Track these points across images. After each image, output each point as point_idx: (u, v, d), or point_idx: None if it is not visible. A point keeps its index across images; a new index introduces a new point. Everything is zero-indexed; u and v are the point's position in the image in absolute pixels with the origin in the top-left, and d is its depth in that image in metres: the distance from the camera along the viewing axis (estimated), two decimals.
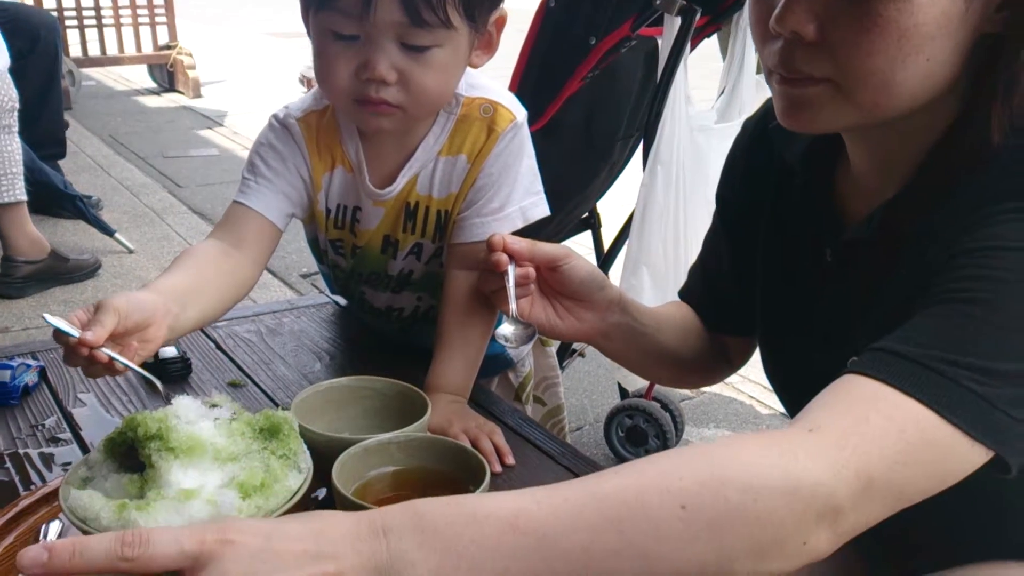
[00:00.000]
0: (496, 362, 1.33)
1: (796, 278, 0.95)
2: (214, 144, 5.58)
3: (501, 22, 1.07)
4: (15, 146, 3.01)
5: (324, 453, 0.84)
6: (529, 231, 1.66)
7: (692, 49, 1.76)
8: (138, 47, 6.92)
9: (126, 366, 0.86)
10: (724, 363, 1.14)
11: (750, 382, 2.76)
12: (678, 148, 1.60)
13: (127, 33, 6.85)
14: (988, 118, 0.75)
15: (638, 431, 2.20)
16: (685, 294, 1.15)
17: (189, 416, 0.78)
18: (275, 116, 1.15)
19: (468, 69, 1.11)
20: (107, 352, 0.84)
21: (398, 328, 1.30)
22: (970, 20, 0.73)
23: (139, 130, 5.93)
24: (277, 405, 1.12)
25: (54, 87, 3.93)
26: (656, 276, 1.64)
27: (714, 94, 1.94)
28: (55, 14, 6.42)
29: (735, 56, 1.85)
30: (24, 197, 3.04)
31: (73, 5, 6.66)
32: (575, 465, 1.02)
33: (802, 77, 0.77)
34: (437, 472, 0.85)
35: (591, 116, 1.72)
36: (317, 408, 0.94)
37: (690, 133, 1.60)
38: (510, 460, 1.02)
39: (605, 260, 2.03)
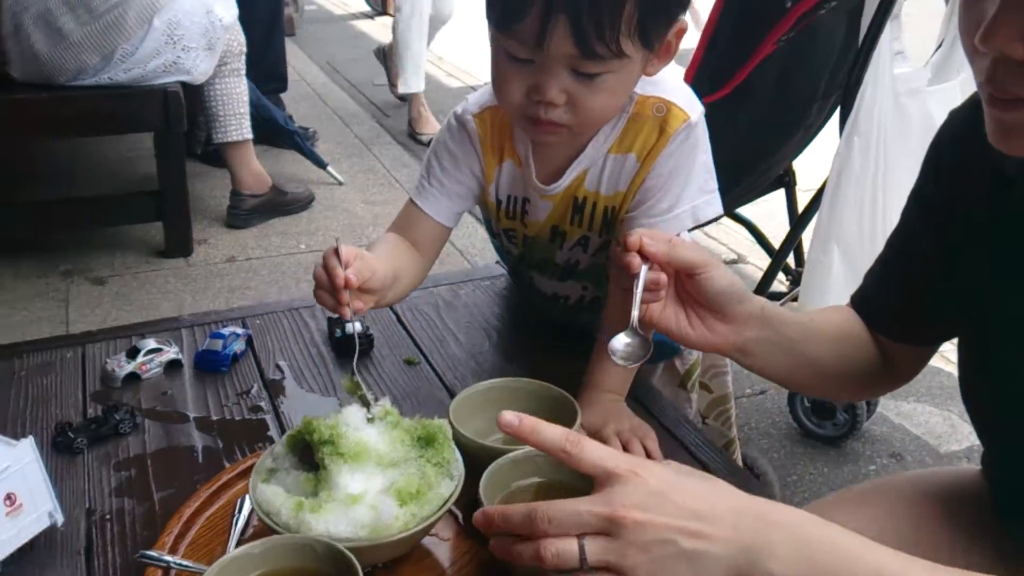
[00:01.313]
0: (662, 349, 1.32)
1: (1018, 298, 0.87)
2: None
3: (681, 32, 1.04)
4: (243, 88, 3.27)
5: (476, 456, 0.90)
6: (733, 168, 1.59)
7: None
8: None
9: (352, 315, 0.98)
10: (886, 377, 1.07)
11: None
12: (879, 116, 1.47)
13: None
14: None
15: (825, 404, 2.11)
16: (859, 299, 1.07)
17: (357, 423, 0.86)
18: (454, 114, 1.18)
19: None
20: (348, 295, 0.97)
21: (563, 314, 1.33)
22: None
23: (353, 56, 6.22)
24: (446, 387, 1.20)
25: (277, 28, 4.21)
26: (847, 255, 1.54)
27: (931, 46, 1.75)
28: None
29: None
30: (250, 135, 3.31)
31: None
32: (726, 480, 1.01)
33: (1014, 99, 0.71)
34: (578, 489, 0.88)
35: (786, 79, 1.61)
36: (476, 407, 1.00)
37: (895, 98, 1.47)
38: None
39: (798, 223, 1.93)
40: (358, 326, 1.30)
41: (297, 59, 5.89)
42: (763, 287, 1.96)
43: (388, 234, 1.20)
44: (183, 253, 3.10)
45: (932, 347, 1.05)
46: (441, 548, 0.88)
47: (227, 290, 2.88)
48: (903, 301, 1.01)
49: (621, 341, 0.90)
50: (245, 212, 3.35)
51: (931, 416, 2.32)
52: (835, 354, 1.03)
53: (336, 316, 1.33)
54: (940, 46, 1.71)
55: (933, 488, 1.11)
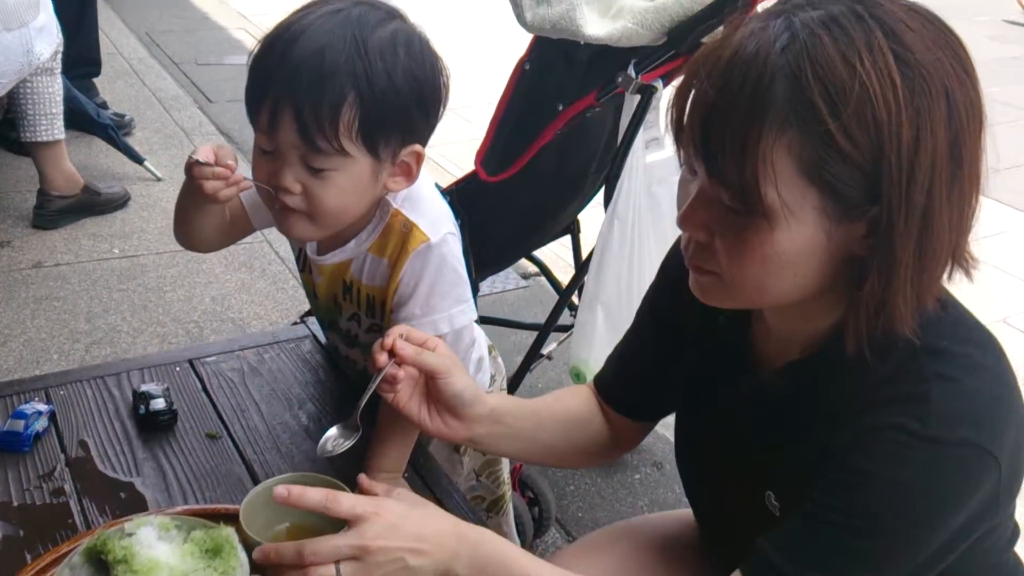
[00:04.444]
0: None
1: (715, 396, 1.11)
2: (247, 50, 5.61)
3: (419, 158, 1.21)
4: (56, 87, 3.14)
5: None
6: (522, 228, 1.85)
7: (667, 85, 1.83)
8: None
9: (250, 180, 1.20)
10: (611, 449, 1.31)
11: None
12: (635, 204, 1.72)
13: None
14: (849, 327, 0.87)
15: None
16: (599, 381, 1.29)
17: (149, 541, 0.99)
18: None
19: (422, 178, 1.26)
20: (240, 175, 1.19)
21: (355, 376, 1.50)
22: (835, 245, 0.85)
23: (175, 28, 5.99)
24: (245, 463, 1.33)
25: (89, 7, 4.02)
26: (609, 315, 1.80)
27: None
28: None
29: None
30: (62, 136, 3.20)
31: None
32: None
33: (698, 265, 0.92)
34: (322, 528, 1.03)
35: (562, 160, 1.83)
36: (263, 503, 1.14)
37: (647, 188, 1.72)
38: None
39: (580, 268, 2.17)
40: (161, 402, 1.41)
41: (112, 27, 5.61)
42: (552, 319, 2.19)
43: None
44: None
45: (653, 422, 1.30)
46: None
47: (33, 301, 2.82)
48: (633, 383, 1.25)
49: (332, 432, 1.11)
50: (54, 212, 3.25)
51: None
52: (565, 438, 1.25)
53: (142, 391, 1.43)
54: None
55: (655, 533, 1.38)
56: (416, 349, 1.09)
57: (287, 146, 1.12)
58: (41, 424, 1.35)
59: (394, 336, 1.08)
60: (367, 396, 1.07)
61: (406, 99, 1.15)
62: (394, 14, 1.19)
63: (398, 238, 1.26)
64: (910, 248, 0.82)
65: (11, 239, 3.15)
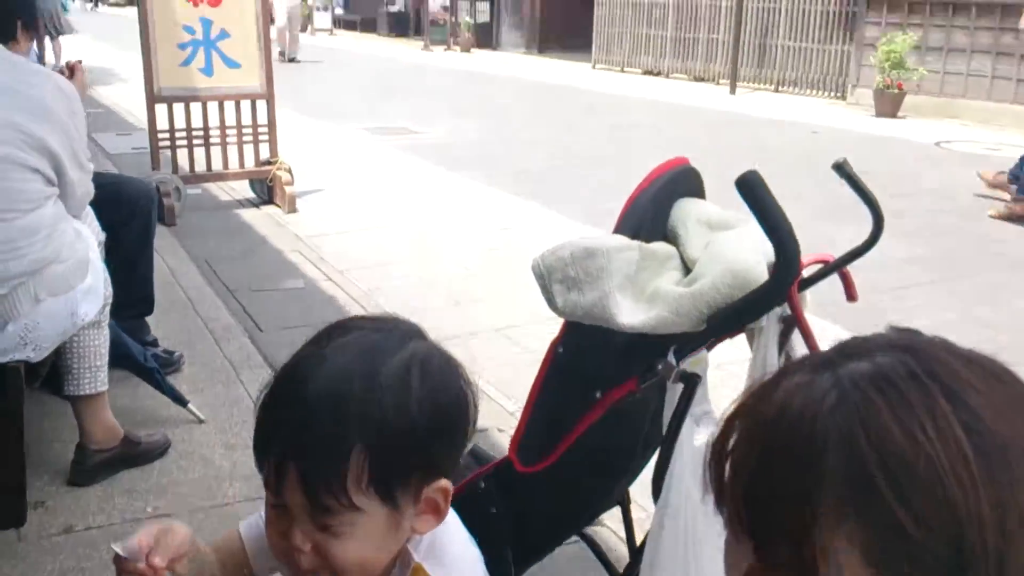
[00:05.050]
0: None
1: None
2: (301, 273, 5.77)
3: (446, 492, 1.10)
4: (103, 339, 3.15)
5: None
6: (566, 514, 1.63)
7: (710, 350, 1.69)
8: (241, 163, 7.28)
9: None
10: None
11: None
12: (686, 498, 1.54)
13: (232, 151, 7.24)
14: None
15: None
16: None
17: None
18: None
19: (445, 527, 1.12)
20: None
21: None
22: None
23: (233, 254, 6.19)
24: None
25: (146, 252, 4.11)
26: None
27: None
28: (166, 138, 6.84)
29: (758, 361, 1.77)
30: (105, 388, 3.17)
31: (184, 126, 7.05)
32: None
33: None
34: None
35: (605, 444, 1.68)
36: None
37: (699, 477, 1.52)
38: None
39: (635, 556, 1.95)
40: None
41: (173, 256, 5.82)
42: None
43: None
44: (15, 523, 2.89)
45: None
46: None
47: (59, 574, 2.68)
48: None
49: None
50: (91, 468, 3.16)
51: None
52: None
53: None
54: None
55: None
56: None
57: (294, 504, 1.03)
58: None
59: None
60: None
61: (423, 434, 1.05)
62: (411, 334, 1.13)
63: None
64: None
65: (45, 499, 3.07)
